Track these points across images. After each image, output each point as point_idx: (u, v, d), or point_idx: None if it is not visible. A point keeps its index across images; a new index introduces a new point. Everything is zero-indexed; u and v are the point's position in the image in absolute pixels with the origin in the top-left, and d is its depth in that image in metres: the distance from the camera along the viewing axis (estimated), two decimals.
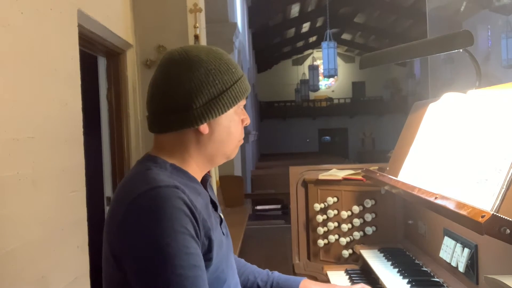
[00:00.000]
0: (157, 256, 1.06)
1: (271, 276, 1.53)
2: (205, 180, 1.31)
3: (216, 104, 1.20)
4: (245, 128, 1.41)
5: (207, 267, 1.14)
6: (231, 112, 1.24)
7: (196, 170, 1.26)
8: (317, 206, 2.18)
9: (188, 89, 1.18)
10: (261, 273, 1.54)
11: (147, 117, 1.26)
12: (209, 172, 1.35)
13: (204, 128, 1.20)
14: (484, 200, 1.17)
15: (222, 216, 1.34)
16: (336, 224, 2.14)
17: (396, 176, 1.74)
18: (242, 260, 1.60)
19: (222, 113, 1.21)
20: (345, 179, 2.15)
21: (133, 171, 1.23)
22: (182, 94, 1.18)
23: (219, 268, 1.20)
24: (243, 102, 1.27)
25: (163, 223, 1.07)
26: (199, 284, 1.09)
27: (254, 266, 1.59)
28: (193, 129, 1.21)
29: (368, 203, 2.08)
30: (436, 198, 1.30)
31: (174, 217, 1.07)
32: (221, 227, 1.28)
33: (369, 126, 24.16)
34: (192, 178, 1.23)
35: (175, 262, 1.06)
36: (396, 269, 1.68)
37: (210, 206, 1.26)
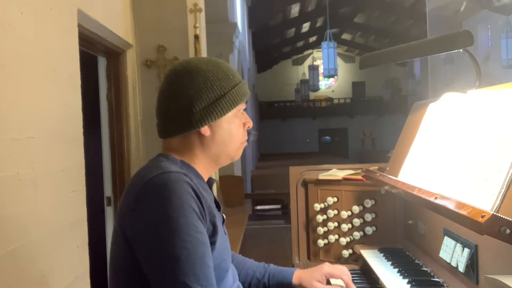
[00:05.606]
0: (167, 232, 1.13)
1: (268, 269, 1.63)
2: (210, 183, 1.40)
3: (215, 108, 1.30)
4: None
5: (211, 250, 1.21)
6: (230, 115, 1.33)
7: (202, 170, 1.35)
8: (317, 206, 2.18)
9: (189, 95, 1.29)
10: (258, 267, 1.65)
11: (156, 124, 1.36)
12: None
13: (205, 130, 1.31)
14: (484, 200, 1.17)
15: (224, 216, 1.41)
16: (336, 224, 2.13)
17: (396, 176, 1.74)
18: (240, 256, 1.68)
19: (221, 116, 1.31)
20: (345, 179, 2.15)
21: (146, 164, 1.34)
22: (184, 100, 1.29)
23: (222, 256, 1.28)
24: (242, 106, 1.37)
25: (173, 202, 1.15)
26: (206, 261, 1.15)
27: (251, 261, 1.67)
28: (196, 131, 1.31)
29: (368, 203, 2.08)
30: (436, 198, 1.30)
31: (183, 198, 1.15)
32: (223, 226, 1.37)
33: (369, 126, 24.16)
34: (199, 175, 1.33)
35: (184, 238, 1.13)
36: (396, 269, 1.67)
37: (214, 204, 1.33)
